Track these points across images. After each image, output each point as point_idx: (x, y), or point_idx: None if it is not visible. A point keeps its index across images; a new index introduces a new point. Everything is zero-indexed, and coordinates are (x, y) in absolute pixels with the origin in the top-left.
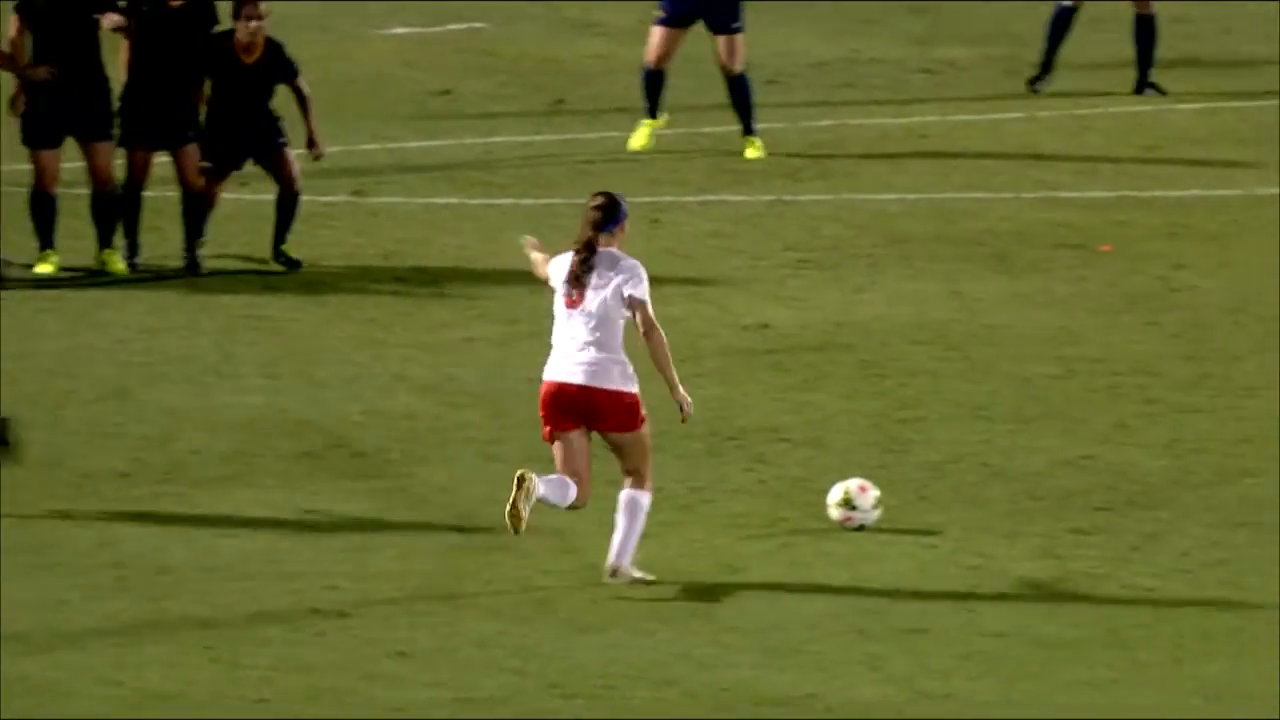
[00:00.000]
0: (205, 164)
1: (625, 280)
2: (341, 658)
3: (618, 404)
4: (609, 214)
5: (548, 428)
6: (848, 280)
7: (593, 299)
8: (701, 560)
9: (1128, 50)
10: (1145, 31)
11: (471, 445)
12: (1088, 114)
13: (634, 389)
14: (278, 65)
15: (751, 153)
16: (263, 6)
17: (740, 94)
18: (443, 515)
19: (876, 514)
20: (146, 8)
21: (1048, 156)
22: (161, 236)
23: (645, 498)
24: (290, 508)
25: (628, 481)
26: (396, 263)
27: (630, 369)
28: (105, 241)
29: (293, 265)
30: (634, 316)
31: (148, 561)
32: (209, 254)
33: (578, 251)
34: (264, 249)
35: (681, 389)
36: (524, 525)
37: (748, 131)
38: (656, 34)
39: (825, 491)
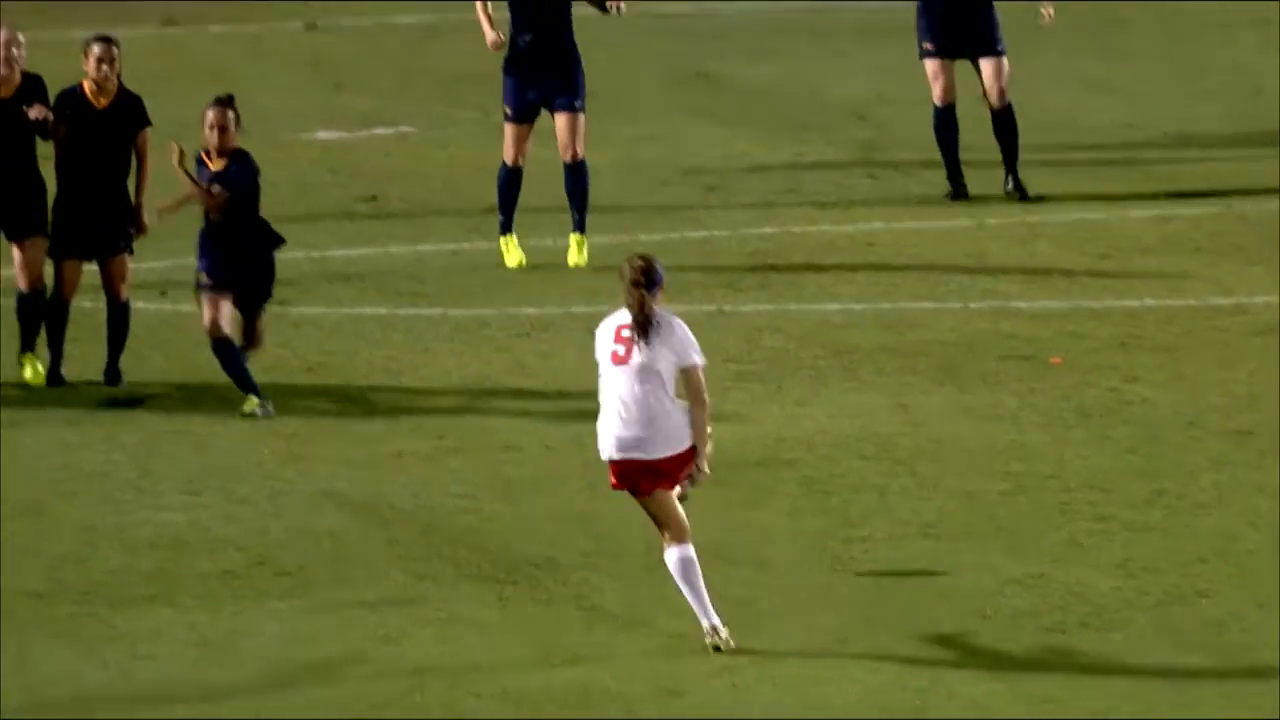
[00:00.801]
0: (206, 281)
1: (682, 348)
2: None
3: (683, 460)
4: (651, 276)
5: (627, 492)
6: (790, 393)
7: (650, 359)
8: (639, 683)
9: (1078, 155)
10: (1004, 126)
11: (400, 564)
12: (1038, 221)
13: (691, 440)
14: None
15: (575, 256)
16: (229, 114)
17: (579, 183)
18: (370, 637)
19: None
20: (70, 111)
21: (997, 265)
22: (77, 348)
23: (690, 549)
24: (212, 629)
25: (667, 536)
26: (322, 376)
27: (684, 418)
28: (27, 345)
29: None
30: (684, 379)
31: (64, 686)
32: (128, 366)
33: (636, 320)
34: (185, 360)
35: (706, 459)
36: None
37: (579, 228)
38: (509, 132)
39: (768, 613)
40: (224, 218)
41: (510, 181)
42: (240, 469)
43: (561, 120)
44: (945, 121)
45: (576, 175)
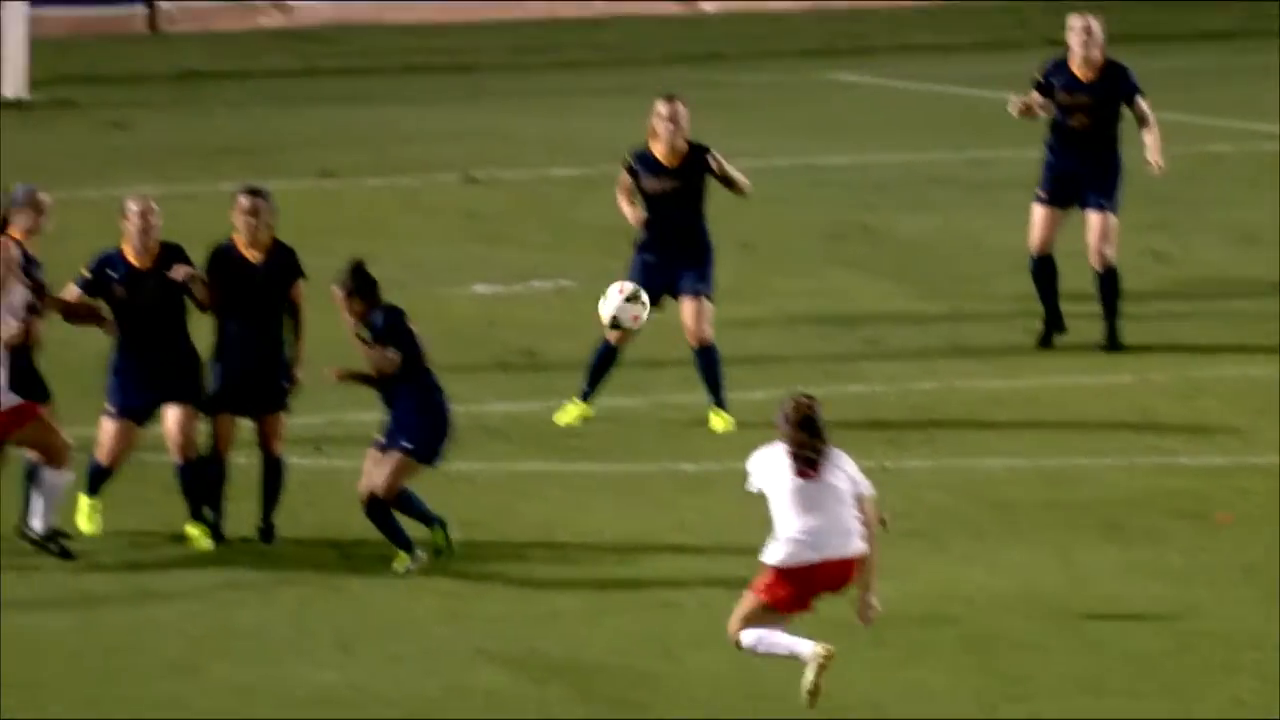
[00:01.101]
0: (377, 439)
1: (858, 475)
2: None
3: (849, 569)
4: (820, 419)
5: (784, 605)
6: (952, 550)
7: (832, 476)
8: None
9: (1239, 306)
10: (1106, 289)
11: None
12: (1202, 377)
13: (862, 545)
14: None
15: (718, 425)
16: (342, 291)
17: (710, 364)
18: None
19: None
20: (224, 266)
21: (1161, 421)
22: (231, 504)
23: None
24: None
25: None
26: (477, 532)
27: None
28: (195, 514)
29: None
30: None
31: None
32: (282, 523)
33: (809, 452)
34: (339, 517)
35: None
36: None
37: (719, 404)
38: None
39: None
40: (386, 375)
41: (605, 359)
42: (395, 626)
43: (688, 306)
44: (1041, 271)
45: (707, 358)
